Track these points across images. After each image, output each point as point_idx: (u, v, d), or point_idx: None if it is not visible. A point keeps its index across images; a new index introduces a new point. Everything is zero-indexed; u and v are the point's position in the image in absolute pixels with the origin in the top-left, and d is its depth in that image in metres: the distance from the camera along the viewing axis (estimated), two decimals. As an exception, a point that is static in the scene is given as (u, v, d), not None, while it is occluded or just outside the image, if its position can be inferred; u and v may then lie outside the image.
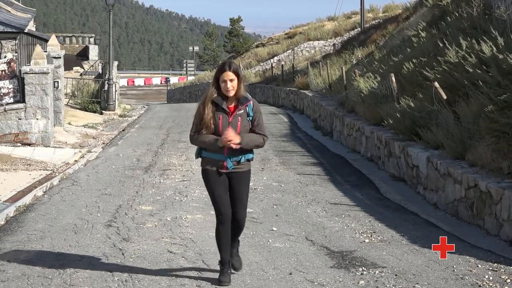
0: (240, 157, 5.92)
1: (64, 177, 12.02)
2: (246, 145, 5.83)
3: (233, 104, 5.88)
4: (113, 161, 13.76)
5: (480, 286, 6.09)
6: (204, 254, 7.05)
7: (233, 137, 5.73)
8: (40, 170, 13.10)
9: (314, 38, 44.31)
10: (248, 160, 6.03)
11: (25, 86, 16.51)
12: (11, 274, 6.36)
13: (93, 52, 42.75)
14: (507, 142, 8.38)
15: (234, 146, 5.73)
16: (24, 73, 16.64)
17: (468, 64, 10.67)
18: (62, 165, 13.77)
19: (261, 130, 5.96)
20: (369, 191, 10.88)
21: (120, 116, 25.04)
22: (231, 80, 5.77)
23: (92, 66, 39.32)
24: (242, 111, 5.88)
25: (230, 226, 5.98)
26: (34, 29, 32.71)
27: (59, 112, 19.25)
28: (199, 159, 6.10)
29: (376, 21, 38.30)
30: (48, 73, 16.72)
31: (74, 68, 38.40)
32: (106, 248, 7.26)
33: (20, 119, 16.49)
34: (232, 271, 6.18)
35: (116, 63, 30.11)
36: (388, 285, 6.10)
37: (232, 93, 5.80)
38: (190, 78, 61.79)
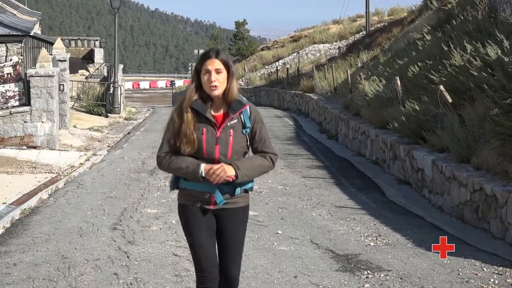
0: (236, 186, 4.16)
1: (70, 180, 12.04)
2: (246, 177, 4.10)
3: (221, 112, 4.14)
4: (118, 164, 13.78)
5: (485, 289, 6.08)
6: (209, 257, 7.04)
7: (222, 171, 4.02)
8: (45, 173, 13.13)
9: (319, 41, 44.34)
10: (246, 191, 4.26)
11: (31, 89, 16.56)
12: (17, 276, 6.37)
13: (99, 55, 42.84)
14: (513, 145, 8.37)
15: (226, 179, 4.06)
16: (29, 76, 16.69)
17: (474, 67, 10.66)
18: (68, 168, 13.80)
19: (267, 146, 4.23)
20: (375, 194, 10.87)
21: (126, 119, 25.07)
22: (217, 71, 4.03)
23: (98, 69, 39.38)
24: (235, 121, 4.12)
25: None
26: (39, 32, 32.80)
27: (64, 115, 19.31)
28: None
29: (381, 24, 38.27)
30: (53, 76, 16.76)
31: (79, 71, 38.45)
32: (111, 251, 7.27)
33: (26, 122, 16.53)
34: None
35: (121, 66, 30.12)
36: (393, 289, 6.10)
37: (217, 91, 4.04)
38: (195, 81, 61.72)
